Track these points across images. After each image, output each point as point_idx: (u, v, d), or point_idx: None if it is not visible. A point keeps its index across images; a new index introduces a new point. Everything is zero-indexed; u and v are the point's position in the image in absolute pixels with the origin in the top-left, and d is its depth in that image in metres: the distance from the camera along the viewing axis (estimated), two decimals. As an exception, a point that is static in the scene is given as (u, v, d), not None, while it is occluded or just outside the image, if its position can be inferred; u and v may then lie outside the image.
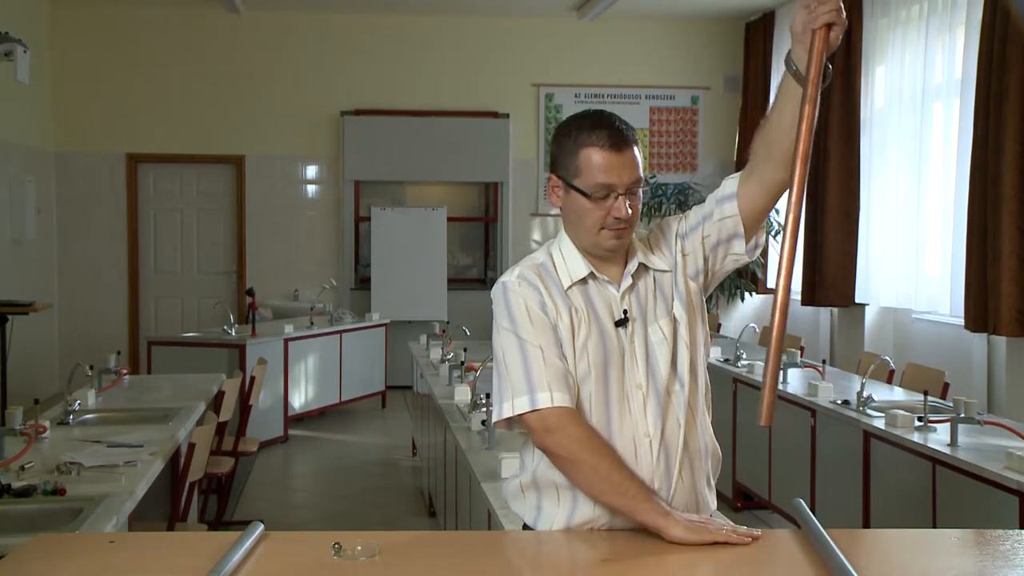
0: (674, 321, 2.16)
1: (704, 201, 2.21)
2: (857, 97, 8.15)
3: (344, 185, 10.34)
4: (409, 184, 10.83)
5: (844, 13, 1.90)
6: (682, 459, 2.13)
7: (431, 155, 10.31)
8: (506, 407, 2.10)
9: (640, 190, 2.12)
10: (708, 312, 2.36)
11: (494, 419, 2.15)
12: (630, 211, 2.09)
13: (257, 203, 10.32)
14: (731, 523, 2.05)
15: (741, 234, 2.14)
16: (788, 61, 1.99)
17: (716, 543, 1.96)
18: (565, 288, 2.15)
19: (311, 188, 10.47)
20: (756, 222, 2.15)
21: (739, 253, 2.17)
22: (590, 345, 2.11)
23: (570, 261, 2.17)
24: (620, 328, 2.14)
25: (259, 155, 10.28)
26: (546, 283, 2.15)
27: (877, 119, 8.03)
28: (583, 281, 2.16)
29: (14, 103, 8.89)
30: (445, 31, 10.41)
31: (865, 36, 8.13)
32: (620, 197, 2.08)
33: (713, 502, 2.20)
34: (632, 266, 2.18)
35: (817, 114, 1.89)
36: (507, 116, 10.46)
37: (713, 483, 2.21)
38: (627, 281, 2.17)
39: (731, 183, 2.15)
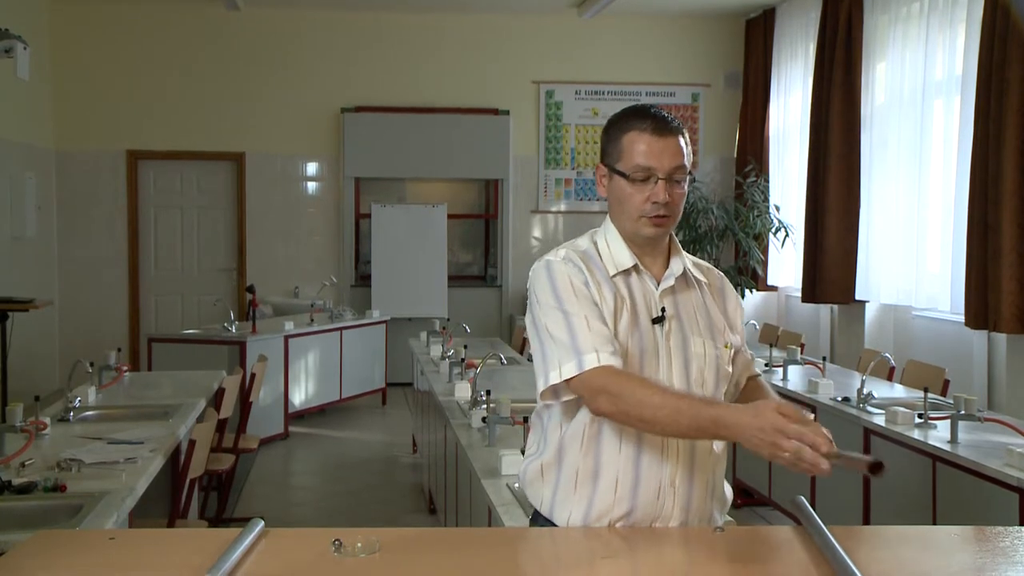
0: (723, 350, 2.20)
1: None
2: (858, 94, 8.14)
3: (344, 182, 10.34)
4: (409, 181, 10.82)
5: (822, 463, 1.78)
6: (706, 469, 2.15)
7: (431, 152, 10.30)
8: (553, 375, 2.08)
9: (684, 181, 2.15)
10: None
11: (541, 387, 2.13)
12: (669, 198, 2.12)
13: (257, 200, 10.32)
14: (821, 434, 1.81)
15: None
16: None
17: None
18: (611, 275, 2.17)
19: (311, 185, 10.46)
20: None
21: None
22: (630, 332, 2.13)
23: (615, 251, 2.20)
24: (656, 325, 2.15)
25: (259, 152, 10.28)
26: (590, 267, 2.18)
27: (878, 116, 8.02)
28: (627, 272, 2.18)
29: (14, 100, 8.89)
30: (445, 28, 10.40)
31: (866, 33, 8.12)
32: (660, 182, 2.12)
33: (720, 520, 2.21)
34: (676, 268, 2.20)
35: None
36: (507, 113, 10.45)
37: (720, 517, 2.22)
38: (668, 282, 2.19)
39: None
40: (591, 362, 2.04)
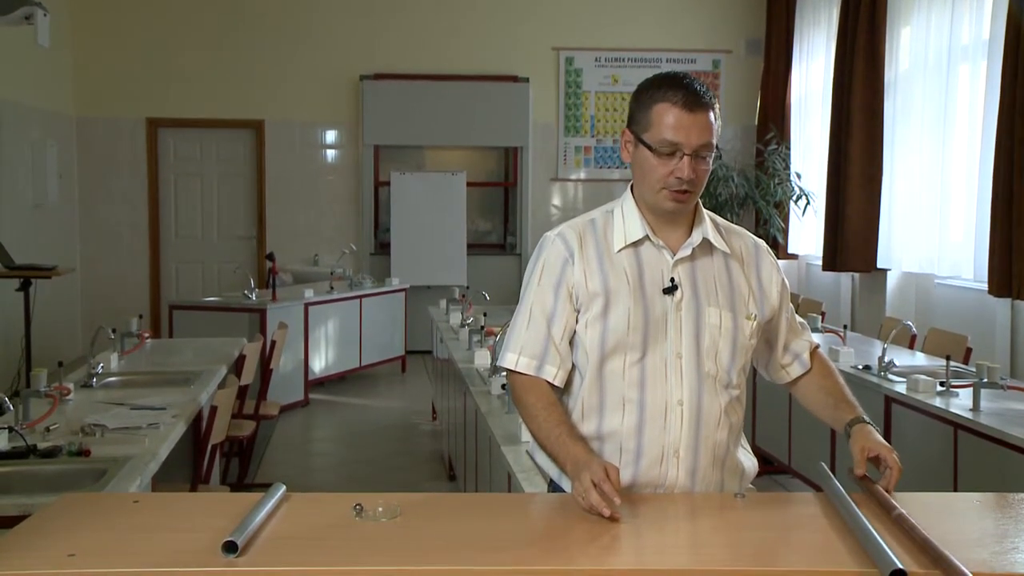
0: (744, 322, 2.17)
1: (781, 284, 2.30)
2: (881, 59, 8.04)
3: (363, 150, 10.32)
4: (429, 149, 10.80)
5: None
6: (713, 438, 2.15)
7: (451, 120, 10.27)
8: (500, 358, 2.26)
9: (709, 157, 2.11)
10: None
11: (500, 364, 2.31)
12: (693, 174, 2.08)
13: (277, 168, 10.32)
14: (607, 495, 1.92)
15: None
16: None
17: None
18: (616, 250, 2.15)
19: (331, 153, 10.46)
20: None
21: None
22: (631, 309, 2.11)
23: (629, 221, 2.18)
24: (668, 295, 2.13)
25: (279, 120, 10.27)
26: (585, 244, 2.16)
27: (902, 82, 7.92)
28: (637, 243, 2.16)
29: (35, 67, 8.90)
30: (464, -6, 10.33)
31: (890, -3, 8.01)
32: (685, 157, 2.08)
33: (736, 487, 2.22)
34: (696, 238, 2.17)
35: None
36: (527, 80, 10.39)
37: (739, 487, 2.23)
38: (686, 251, 2.16)
39: (795, 367, 2.34)
40: (510, 362, 2.20)
